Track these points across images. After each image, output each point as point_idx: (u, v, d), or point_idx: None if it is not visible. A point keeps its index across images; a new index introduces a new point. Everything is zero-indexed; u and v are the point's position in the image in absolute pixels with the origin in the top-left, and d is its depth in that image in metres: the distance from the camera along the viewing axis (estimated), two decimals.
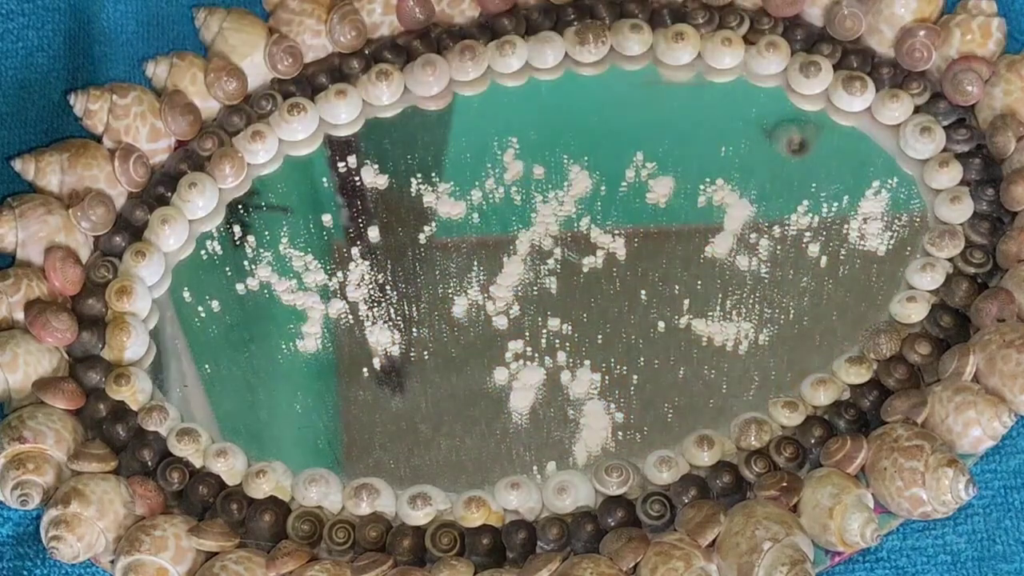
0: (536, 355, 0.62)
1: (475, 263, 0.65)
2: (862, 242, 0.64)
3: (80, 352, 0.63)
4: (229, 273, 0.65)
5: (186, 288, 0.65)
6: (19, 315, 0.62)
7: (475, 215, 0.66)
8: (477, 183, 0.67)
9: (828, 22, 0.68)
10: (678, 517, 0.58)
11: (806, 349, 0.62)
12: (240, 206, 0.67)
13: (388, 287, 0.65)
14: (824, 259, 0.64)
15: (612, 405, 0.61)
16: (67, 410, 0.61)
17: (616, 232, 0.65)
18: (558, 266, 0.65)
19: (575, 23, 0.69)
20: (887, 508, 0.57)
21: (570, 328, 0.63)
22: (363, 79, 0.69)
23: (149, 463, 0.60)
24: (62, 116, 0.68)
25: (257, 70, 0.69)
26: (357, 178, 0.68)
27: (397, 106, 0.69)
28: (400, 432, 0.61)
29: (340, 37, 0.69)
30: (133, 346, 0.63)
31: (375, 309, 0.64)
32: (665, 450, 0.60)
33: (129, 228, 0.66)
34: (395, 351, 0.63)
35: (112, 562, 0.58)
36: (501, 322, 0.63)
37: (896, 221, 0.65)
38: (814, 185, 0.66)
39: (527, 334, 0.63)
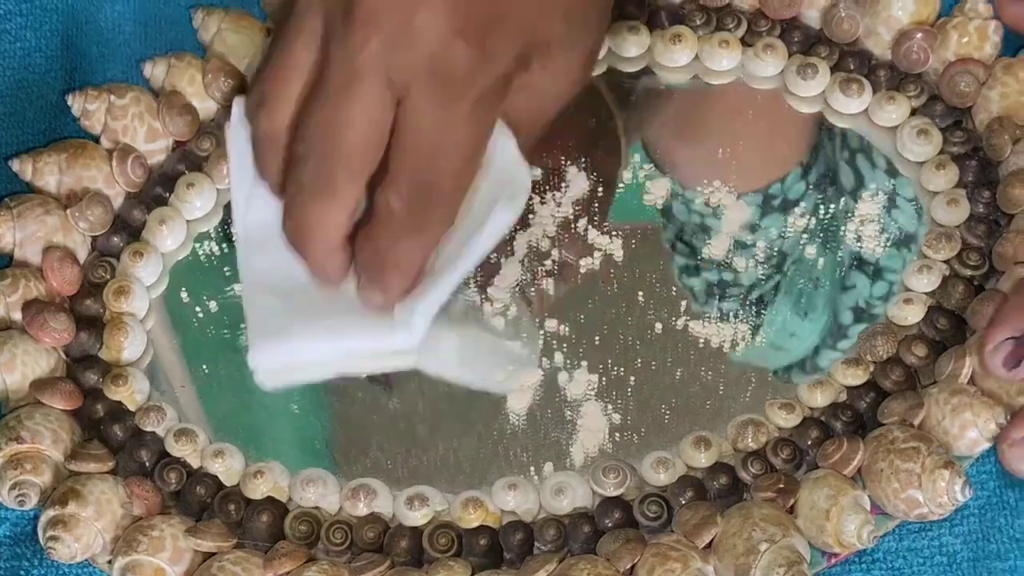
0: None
1: None
2: (858, 244, 0.64)
3: (78, 352, 0.63)
4: (227, 274, 0.65)
5: (184, 289, 0.65)
6: (17, 315, 0.62)
7: None
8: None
9: (826, 24, 0.68)
10: (675, 518, 0.58)
11: (804, 350, 0.62)
12: None
13: None
14: (821, 261, 0.64)
15: (609, 406, 0.61)
16: (65, 410, 0.61)
17: (613, 233, 0.65)
18: (555, 267, 0.65)
19: None
20: (883, 510, 0.57)
21: (567, 329, 0.63)
22: None
23: (147, 463, 0.60)
24: (60, 117, 0.68)
25: (255, 71, 0.69)
26: None
27: None
28: (397, 433, 0.61)
29: None
30: (131, 346, 0.63)
31: None
32: (662, 451, 0.60)
33: (127, 228, 0.66)
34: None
35: (109, 562, 0.58)
36: (498, 323, 0.63)
37: (892, 223, 0.65)
38: (810, 187, 0.66)
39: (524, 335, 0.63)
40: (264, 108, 0.55)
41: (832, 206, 0.65)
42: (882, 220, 0.64)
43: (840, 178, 0.66)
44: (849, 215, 0.65)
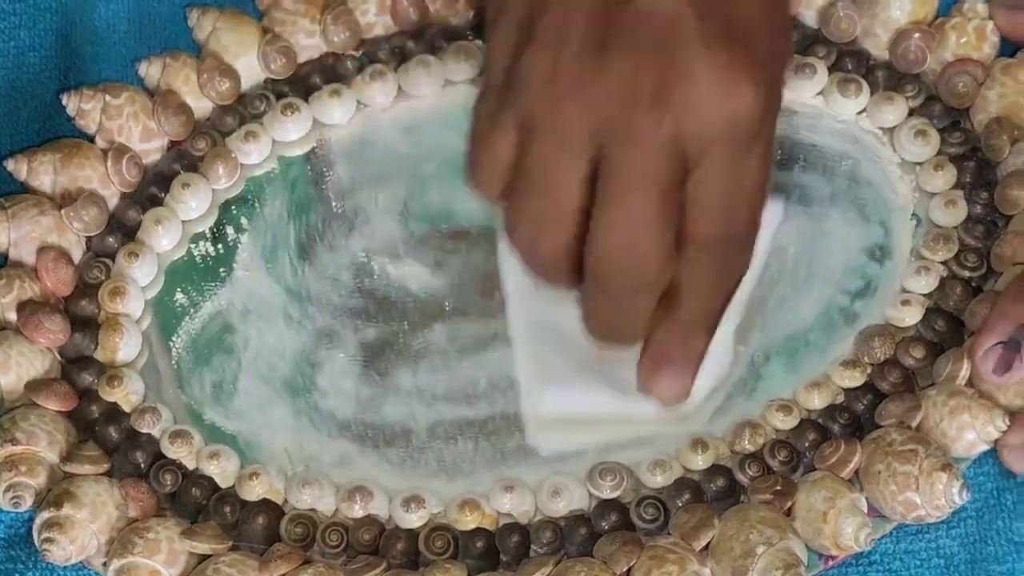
0: None
1: None
2: (855, 245, 0.64)
3: (73, 353, 0.63)
4: (222, 274, 0.65)
5: (179, 289, 0.65)
6: (11, 316, 0.62)
7: None
8: None
9: (823, 24, 0.68)
10: (672, 521, 0.58)
11: (800, 352, 0.62)
12: (233, 206, 0.67)
13: None
14: (816, 262, 0.64)
15: None
16: (60, 412, 0.61)
17: None
18: None
19: None
20: (881, 512, 0.57)
21: None
22: (357, 79, 0.68)
23: (142, 465, 0.60)
24: (54, 116, 0.68)
25: (250, 70, 0.69)
26: None
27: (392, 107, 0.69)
28: (393, 435, 0.61)
29: (334, 37, 0.69)
30: (126, 347, 0.63)
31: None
32: (659, 453, 0.60)
33: (122, 229, 0.65)
34: (389, 351, 0.63)
35: (104, 564, 0.58)
36: None
37: (890, 224, 0.65)
38: (807, 188, 0.66)
39: None
40: (544, 235, 0.50)
41: (814, 232, 0.64)
42: (865, 270, 0.64)
43: (819, 203, 0.65)
44: (829, 266, 0.64)
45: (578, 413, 0.55)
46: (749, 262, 0.52)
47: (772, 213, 0.53)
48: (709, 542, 0.56)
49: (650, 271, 0.49)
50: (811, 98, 0.67)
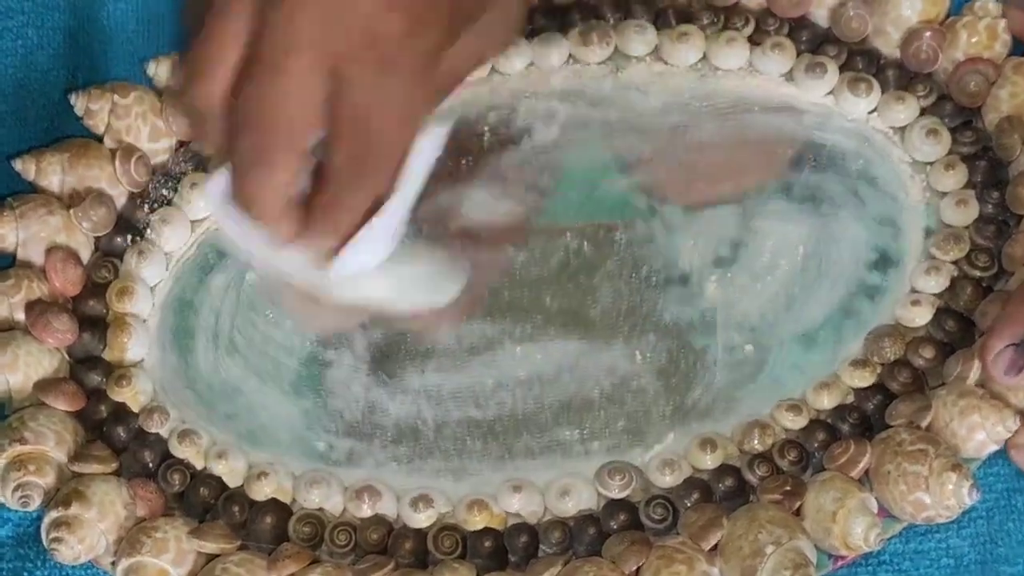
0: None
1: None
2: (866, 244, 0.64)
3: (81, 353, 0.63)
4: (231, 274, 0.65)
5: (187, 289, 0.65)
6: (20, 316, 0.62)
7: None
8: None
9: (834, 23, 0.68)
10: (681, 520, 0.58)
11: (810, 352, 0.62)
12: None
13: None
14: (827, 262, 0.64)
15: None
16: (68, 411, 0.61)
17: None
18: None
19: (579, 24, 0.69)
20: (890, 512, 0.57)
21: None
22: None
23: (150, 465, 0.60)
24: (63, 116, 0.68)
25: None
26: None
27: None
28: (401, 434, 0.61)
29: None
30: (134, 347, 0.63)
31: None
32: (668, 453, 0.60)
33: (130, 228, 0.65)
34: (398, 353, 0.63)
35: (113, 563, 0.58)
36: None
37: (901, 224, 0.64)
38: (818, 187, 0.66)
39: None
40: (199, 80, 0.53)
41: (825, 232, 0.64)
42: (875, 269, 0.64)
43: (830, 202, 0.65)
44: (839, 265, 0.64)
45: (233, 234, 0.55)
46: (386, 177, 0.53)
47: (431, 139, 0.55)
48: (718, 542, 0.56)
49: (272, 140, 0.51)
50: (822, 97, 0.67)
